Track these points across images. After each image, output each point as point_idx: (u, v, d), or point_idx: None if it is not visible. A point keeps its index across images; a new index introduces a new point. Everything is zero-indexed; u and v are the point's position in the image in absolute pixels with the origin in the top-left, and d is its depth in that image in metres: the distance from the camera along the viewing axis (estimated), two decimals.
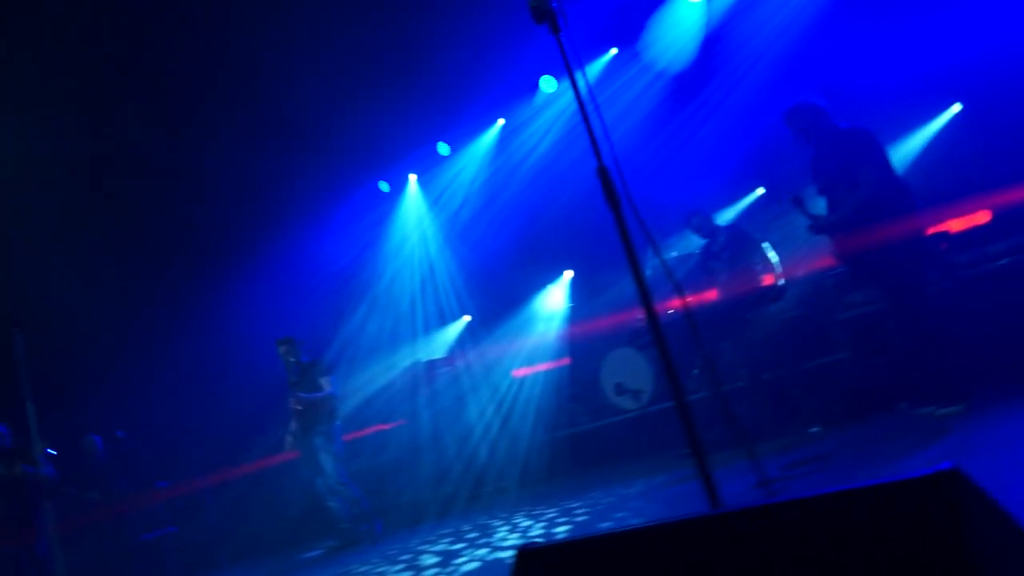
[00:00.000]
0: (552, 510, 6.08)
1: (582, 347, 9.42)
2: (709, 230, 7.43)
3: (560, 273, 10.65)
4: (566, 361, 9.22)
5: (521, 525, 5.84)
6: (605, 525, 4.83)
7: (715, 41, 8.98)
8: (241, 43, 8.16)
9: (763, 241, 7.14)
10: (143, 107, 8.62)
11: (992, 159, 7.43)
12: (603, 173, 2.31)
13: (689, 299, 2.81)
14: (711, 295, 7.25)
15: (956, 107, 8.78)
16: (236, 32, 8.02)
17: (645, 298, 2.47)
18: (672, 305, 7.69)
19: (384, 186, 11.47)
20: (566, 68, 2.40)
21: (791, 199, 5.68)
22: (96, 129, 8.42)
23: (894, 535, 1.38)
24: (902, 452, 4.36)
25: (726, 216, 9.05)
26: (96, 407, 9.26)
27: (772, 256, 7.05)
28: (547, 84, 9.83)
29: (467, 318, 11.18)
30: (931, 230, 6.44)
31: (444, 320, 11.32)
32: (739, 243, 7.15)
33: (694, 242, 9.35)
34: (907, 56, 7.89)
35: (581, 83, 2.39)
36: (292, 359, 7.63)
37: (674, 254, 8.62)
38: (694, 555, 1.56)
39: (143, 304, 9.82)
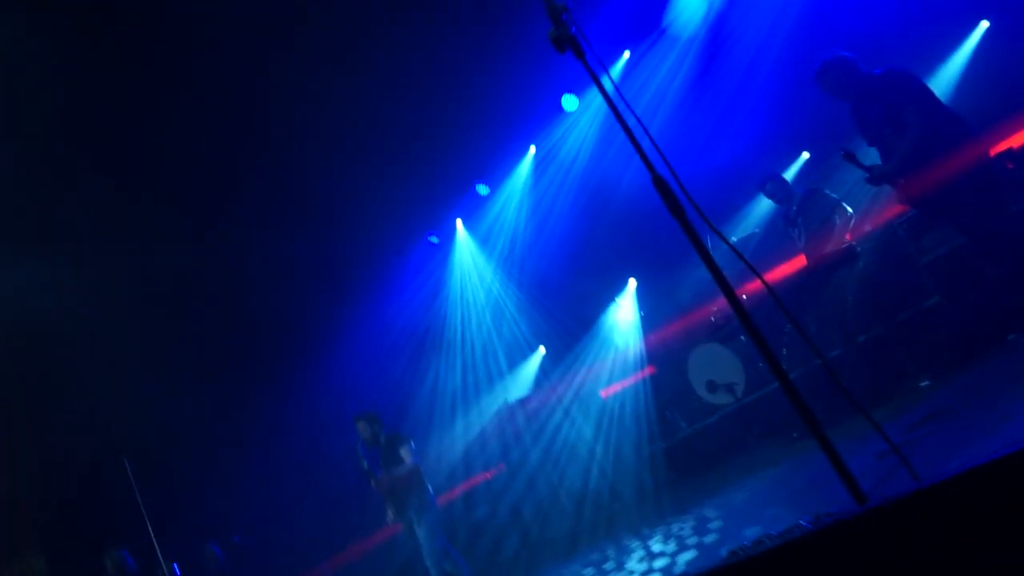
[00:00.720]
0: (682, 526, 5.85)
1: (663, 353, 9.26)
2: (784, 194, 7.20)
3: (624, 284, 10.55)
4: (651, 371, 9.07)
5: (655, 548, 5.68)
6: (726, 548, 4.59)
7: (727, 13, 8.92)
8: (271, 136, 8.40)
9: (839, 198, 6.93)
10: (187, 219, 8.86)
11: None
12: (659, 183, 2.25)
13: (765, 278, 2.72)
14: (790, 267, 7.05)
15: (984, 24, 8.55)
16: (265, 125, 8.26)
17: (727, 289, 2.41)
18: (744, 291, 7.52)
19: (434, 239, 11.58)
20: (598, 87, 2.36)
21: (842, 155, 5.54)
22: (149, 247, 8.68)
23: None
24: None
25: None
26: (207, 515, 9.44)
27: (849, 213, 6.85)
28: (569, 103, 9.84)
29: (542, 349, 11.13)
30: (993, 152, 6.19)
31: (521, 356, 11.29)
32: (811, 205, 6.94)
33: (750, 224, 9.22)
34: None
35: (614, 95, 2.35)
36: (367, 436, 7.23)
37: (734, 239, 8.47)
38: (850, 558, 1.47)
39: (231, 406, 10.02)
